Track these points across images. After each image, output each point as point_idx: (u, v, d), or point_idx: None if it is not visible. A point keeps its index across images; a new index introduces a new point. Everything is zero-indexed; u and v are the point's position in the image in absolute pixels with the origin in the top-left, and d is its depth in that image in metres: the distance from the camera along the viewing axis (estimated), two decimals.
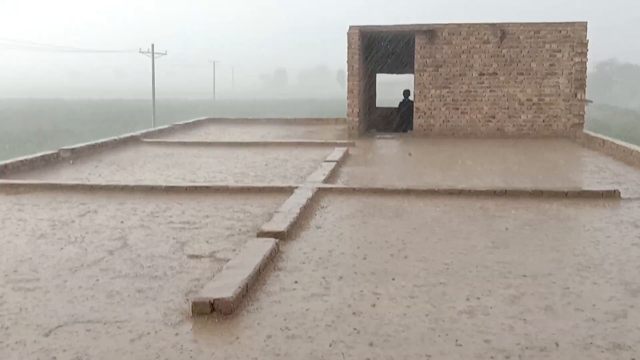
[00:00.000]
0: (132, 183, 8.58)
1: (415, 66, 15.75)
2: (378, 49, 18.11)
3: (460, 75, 15.56)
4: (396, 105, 20.18)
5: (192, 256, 5.33)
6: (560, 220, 6.71)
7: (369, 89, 18.31)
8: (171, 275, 4.84)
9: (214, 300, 4.05)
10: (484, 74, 15.47)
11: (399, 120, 18.76)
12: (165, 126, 17.16)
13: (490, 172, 10.07)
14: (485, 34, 15.38)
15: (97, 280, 4.73)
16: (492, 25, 15.40)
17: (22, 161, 9.90)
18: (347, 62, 15.57)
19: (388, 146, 14.32)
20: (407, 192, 8.02)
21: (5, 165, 9.47)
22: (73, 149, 11.33)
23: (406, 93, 18.71)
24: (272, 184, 8.61)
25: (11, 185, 8.34)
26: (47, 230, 6.22)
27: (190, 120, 19.36)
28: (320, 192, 7.92)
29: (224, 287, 4.25)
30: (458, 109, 15.63)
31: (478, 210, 7.12)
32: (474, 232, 6.14)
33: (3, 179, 8.89)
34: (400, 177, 9.74)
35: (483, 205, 7.40)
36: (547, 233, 6.13)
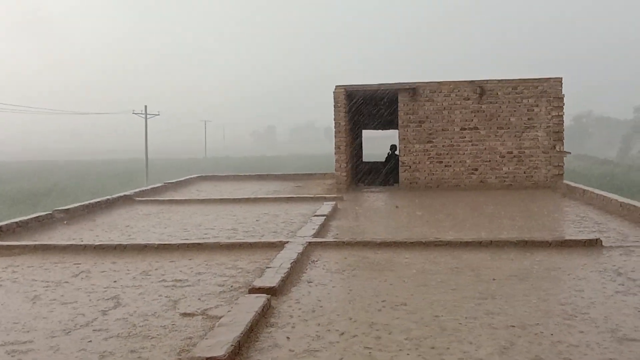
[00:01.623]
0: (124, 242, 8.51)
1: (400, 122, 15.99)
2: (363, 107, 18.42)
3: (442, 130, 15.80)
4: (383, 159, 20.38)
5: (184, 314, 5.25)
6: (546, 270, 6.70)
7: (355, 145, 18.51)
8: (164, 334, 4.75)
9: (207, 358, 3.97)
10: (465, 129, 15.72)
11: (385, 173, 18.90)
12: (158, 184, 17.17)
13: (475, 223, 10.10)
14: (465, 91, 15.72)
15: (90, 341, 4.63)
16: (471, 82, 15.76)
17: (16, 223, 9.81)
18: (334, 119, 15.79)
19: (376, 199, 14.36)
20: (396, 244, 8.00)
21: (0, 227, 9.37)
22: (67, 210, 11.27)
23: (393, 147, 18.92)
24: (263, 239, 8.57)
25: (5, 247, 8.24)
26: (41, 292, 6.12)
27: (182, 178, 19.39)
28: (310, 247, 7.89)
29: (216, 345, 4.17)
30: (442, 162, 15.80)
31: (465, 262, 7.11)
32: (462, 284, 6.11)
33: None
34: (388, 229, 9.74)
35: (470, 256, 7.39)
36: (533, 283, 6.12)
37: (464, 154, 15.73)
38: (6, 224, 9.61)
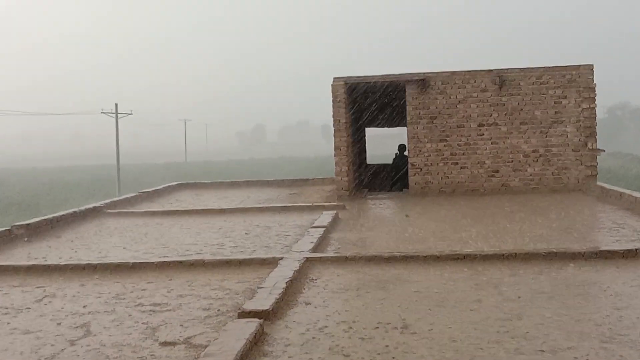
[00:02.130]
0: (94, 261, 8.52)
1: (408, 118, 16.04)
2: (366, 101, 18.47)
3: (457, 126, 15.85)
4: (389, 161, 20.41)
5: (164, 343, 5.26)
6: (578, 285, 6.73)
7: (358, 145, 18.55)
8: None
9: None
10: (483, 125, 15.78)
11: (393, 178, 18.94)
12: (131, 194, 17.18)
13: (497, 233, 10.13)
14: (482, 82, 15.78)
15: None
16: (490, 71, 15.82)
17: None
18: (333, 116, 15.83)
19: (382, 207, 14.37)
20: (406, 258, 8.03)
21: None
22: (27, 225, 11.27)
23: (401, 148, 18.97)
24: (253, 256, 8.59)
25: None
26: (0, 319, 6.12)
27: (160, 187, 19.41)
28: (308, 263, 7.91)
29: None
30: (457, 163, 15.84)
31: (487, 277, 7.14)
32: (483, 303, 6.13)
33: None
34: (397, 242, 9.76)
35: (492, 271, 7.42)
36: (564, 300, 6.14)
37: (482, 153, 15.78)
38: None
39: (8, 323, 6.00)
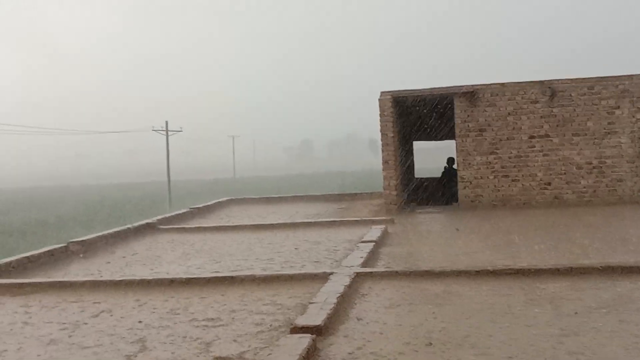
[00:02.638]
0: (149, 276, 8.66)
1: (457, 131, 15.90)
2: (414, 115, 18.39)
3: (507, 139, 15.64)
4: (438, 174, 20.25)
5: (218, 358, 5.31)
6: (636, 300, 6.54)
7: (406, 158, 18.46)
8: None
9: None
10: (534, 137, 15.53)
11: (442, 191, 18.77)
12: (183, 210, 17.44)
13: (551, 247, 9.93)
14: (533, 93, 15.55)
15: None
16: (540, 83, 15.58)
17: (27, 257, 10.11)
18: (380, 130, 15.81)
19: (432, 221, 14.28)
20: (458, 273, 7.93)
21: (9, 263, 9.67)
22: (83, 241, 11.55)
23: (450, 161, 18.81)
24: (303, 271, 8.61)
25: (17, 285, 8.49)
26: (57, 335, 6.27)
27: (210, 202, 19.65)
28: (358, 278, 7.88)
29: None
30: (508, 176, 15.61)
31: (542, 292, 6.99)
32: (538, 318, 6.01)
33: (7, 278, 9.06)
34: (448, 256, 9.66)
35: (547, 286, 7.27)
36: (623, 316, 5.97)
37: (534, 166, 15.52)
38: (16, 260, 9.90)
39: (65, 339, 6.14)
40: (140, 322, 6.59)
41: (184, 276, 8.49)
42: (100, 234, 12.57)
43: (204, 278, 8.33)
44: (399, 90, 16.00)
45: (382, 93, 15.94)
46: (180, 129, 61.74)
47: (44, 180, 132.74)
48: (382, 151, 15.83)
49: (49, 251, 10.76)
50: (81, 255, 11.10)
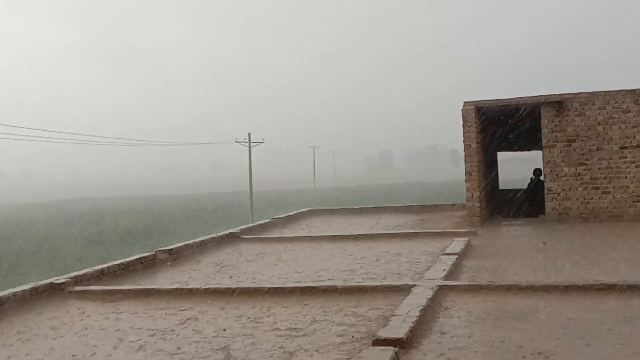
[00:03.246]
0: (233, 285, 8.81)
1: (544, 142, 15.45)
2: (498, 125, 18.00)
3: (597, 149, 15.05)
4: (522, 186, 19.74)
5: None
6: None
7: (489, 169, 18.09)
8: None
9: None
10: (626, 147, 14.88)
11: (528, 203, 18.26)
12: (265, 220, 17.68)
13: None
14: (624, 102, 14.92)
15: None
16: (632, 92, 14.94)
17: (118, 265, 10.47)
18: (463, 141, 15.55)
19: (517, 234, 13.93)
20: (545, 288, 7.67)
21: (102, 270, 10.03)
22: (170, 250, 11.87)
23: (537, 172, 18.32)
24: (385, 283, 8.54)
25: (108, 292, 8.80)
26: (146, 341, 6.45)
27: (291, 213, 19.84)
28: (441, 291, 7.75)
29: None
30: (598, 188, 15.01)
31: (636, 309, 6.65)
32: (633, 336, 5.72)
33: (99, 284, 9.41)
34: (534, 271, 9.37)
35: None
36: None
37: (625, 177, 14.86)
38: (108, 267, 10.27)
39: (154, 345, 6.31)
40: (224, 330, 6.70)
41: (267, 285, 8.58)
42: (186, 243, 12.89)
43: (286, 288, 8.39)
44: (482, 100, 15.70)
45: (465, 103, 15.68)
46: (262, 141, 62.74)
47: (134, 189, 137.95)
48: (465, 162, 15.55)
49: (139, 259, 11.11)
50: (168, 264, 11.41)
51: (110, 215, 60.14)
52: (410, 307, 6.74)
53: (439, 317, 6.74)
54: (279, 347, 5.95)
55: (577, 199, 15.13)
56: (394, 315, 6.49)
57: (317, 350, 5.79)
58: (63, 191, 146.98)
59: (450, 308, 7.12)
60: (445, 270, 9.00)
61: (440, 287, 7.85)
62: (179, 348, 6.13)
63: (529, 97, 15.66)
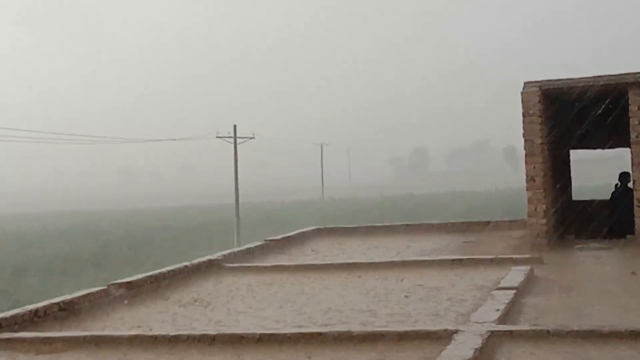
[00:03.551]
0: (212, 331, 8.81)
1: (632, 136, 15.47)
2: (570, 114, 18.00)
3: None
4: (606, 195, 19.71)
5: None
6: None
7: (559, 174, 18.07)
8: None
9: None
10: None
11: (611, 219, 18.25)
12: (256, 243, 17.69)
13: None
14: None
15: None
16: None
17: (58, 304, 10.48)
18: (523, 135, 15.57)
19: (596, 261, 13.92)
20: (635, 336, 7.66)
21: (36, 311, 10.04)
22: (128, 283, 11.89)
23: (623, 177, 18.28)
24: (418, 327, 8.55)
25: (44, 340, 8.81)
26: None
27: (291, 233, 19.85)
28: (494, 339, 7.76)
29: None
30: None
31: None
32: None
33: (33, 331, 9.43)
34: (620, 310, 9.38)
35: None
36: None
37: None
38: (44, 306, 10.29)
39: None
40: None
41: (258, 331, 8.58)
42: (149, 274, 12.89)
43: (284, 334, 8.39)
44: (549, 81, 15.72)
45: (527, 84, 15.69)
46: (252, 136, 62.89)
47: (77, 203, 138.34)
48: (526, 164, 15.55)
49: (85, 296, 11.12)
50: (125, 302, 11.42)
51: (45, 237, 60.26)
52: None
53: None
54: None
55: None
56: None
57: None
58: None
59: None
60: (499, 310, 8.99)
61: (493, 333, 7.85)
62: None
63: (610, 75, 15.66)
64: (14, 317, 9.59)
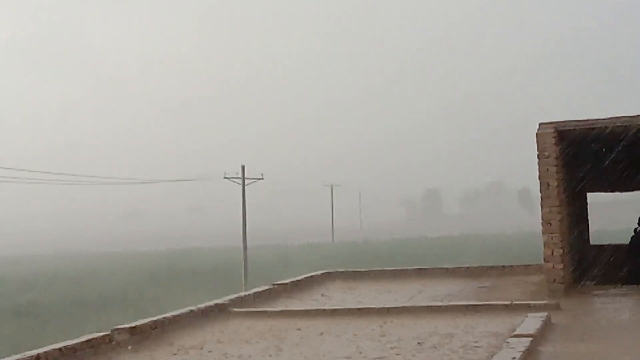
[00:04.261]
0: None
1: None
2: (586, 155, 18.01)
3: None
4: (624, 240, 19.64)
5: None
6: None
7: (576, 217, 18.03)
8: None
9: None
10: None
11: (631, 264, 18.17)
12: (264, 287, 17.65)
13: None
14: None
15: None
16: None
17: (60, 349, 10.44)
18: (539, 177, 15.57)
19: (617, 308, 13.87)
20: None
21: (37, 357, 10.01)
22: (132, 329, 11.85)
23: None
24: None
25: None
26: None
27: (300, 277, 19.81)
28: None
29: None
30: None
31: None
32: None
33: None
34: None
35: None
36: None
37: None
38: (46, 352, 10.25)
39: None
40: None
41: None
42: (154, 318, 12.86)
43: None
44: (564, 122, 15.74)
45: (542, 125, 15.72)
46: (260, 177, 62.99)
47: (82, 244, 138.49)
48: (542, 207, 15.53)
49: (87, 341, 11.08)
50: (129, 347, 11.37)
51: (49, 279, 60.28)
52: None
53: None
54: None
55: None
56: None
57: None
58: None
59: None
60: (515, 358, 8.94)
61: None
62: None
63: (628, 117, 15.68)
64: None
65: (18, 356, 9.89)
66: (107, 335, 11.54)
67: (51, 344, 10.79)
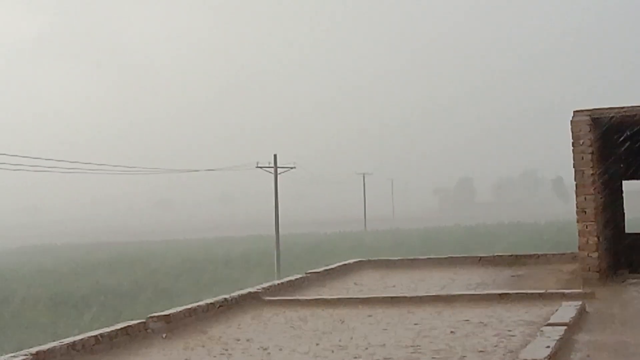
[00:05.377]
0: None
1: None
2: (623, 143, 17.82)
3: None
4: None
5: None
6: None
7: (612, 206, 17.86)
8: None
9: None
10: None
11: None
12: (296, 276, 17.68)
13: None
14: None
15: None
16: None
17: (96, 337, 10.53)
18: (574, 165, 15.44)
19: None
20: None
21: (73, 344, 10.11)
22: (167, 317, 11.92)
23: None
24: None
25: None
26: None
27: (333, 266, 19.82)
28: None
29: None
30: None
31: None
32: None
33: None
34: None
35: None
36: None
37: None
38: (82, 339, 10.35)
39: None
40: None
41: None
42: (188, 306, 12.93)
43: None
44: (600, 109, 15.58)
45: (576, 113, 15.57)
46: (293, 166, 62.99)
47: (116, 234, 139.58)
48: (577, 195, 15.41)
49: (123, 328, 11.18)
50: (163, 336, 11.44)
51: (85, 269, 60.83)
52: None
53: None
54: None
55: None
56: None
57: None
58: (18, 235, 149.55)
59: None
60: (549, 347, 8.86)
61: None
62: None
63: None
64: (51, 350, 9.65)
65: (55, 343, 10.01)
66: (143, 323, 11.63)
67: (87, 332, 10.90)
